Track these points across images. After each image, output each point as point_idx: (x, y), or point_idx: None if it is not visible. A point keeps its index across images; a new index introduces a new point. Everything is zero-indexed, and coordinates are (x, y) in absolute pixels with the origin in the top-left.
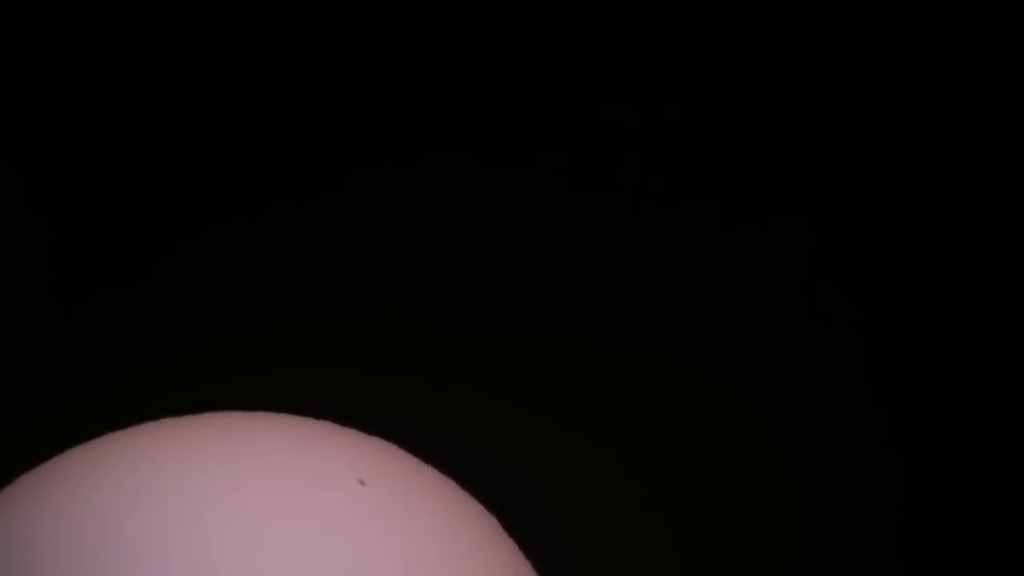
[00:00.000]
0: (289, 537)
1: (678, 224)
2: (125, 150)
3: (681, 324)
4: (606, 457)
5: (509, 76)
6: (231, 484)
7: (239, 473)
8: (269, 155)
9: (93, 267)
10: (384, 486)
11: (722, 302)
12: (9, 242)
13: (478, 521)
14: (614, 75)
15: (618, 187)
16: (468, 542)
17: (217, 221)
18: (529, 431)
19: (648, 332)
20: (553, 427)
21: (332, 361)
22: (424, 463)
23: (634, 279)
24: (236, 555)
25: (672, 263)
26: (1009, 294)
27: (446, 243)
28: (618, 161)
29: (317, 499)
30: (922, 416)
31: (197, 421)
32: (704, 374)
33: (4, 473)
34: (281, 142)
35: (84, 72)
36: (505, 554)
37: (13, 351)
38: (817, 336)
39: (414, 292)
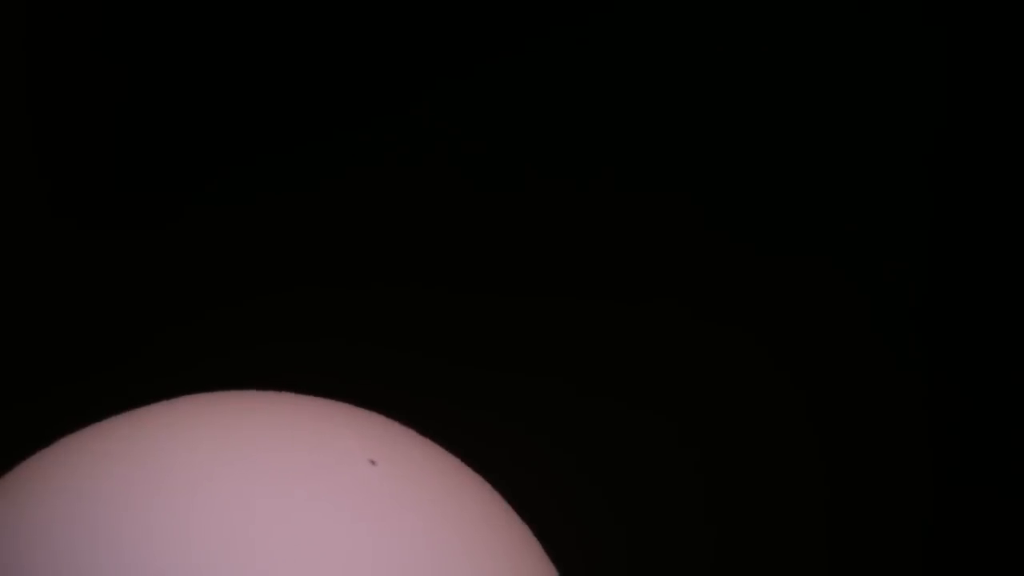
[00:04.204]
0: (299, 517)
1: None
2: (112, 129)
3: (707, 291)
4: (625, 438)
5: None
6: (238, 464)
7: (247, 452)
8: (258, 127)
9: (83, 249)
10: (395, 466)
11: (762, 277)
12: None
13: (490, 503)
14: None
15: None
16: (480, 523)
17: (207, 194)
18: (541, 410)
19: (667, 301)
20: (567, 407)
21: (340, 338)
22: (435, 443)
23: (654, 244)
24: (243, 536)
25: (693, 223)
26: None
27: (452, 217)
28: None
29: (327, 479)
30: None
31: (203, 401)
32: (739, 341)
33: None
34: (271, 120)
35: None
36: (517, 535)
37: (6, 340)
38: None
39: (422, 267)
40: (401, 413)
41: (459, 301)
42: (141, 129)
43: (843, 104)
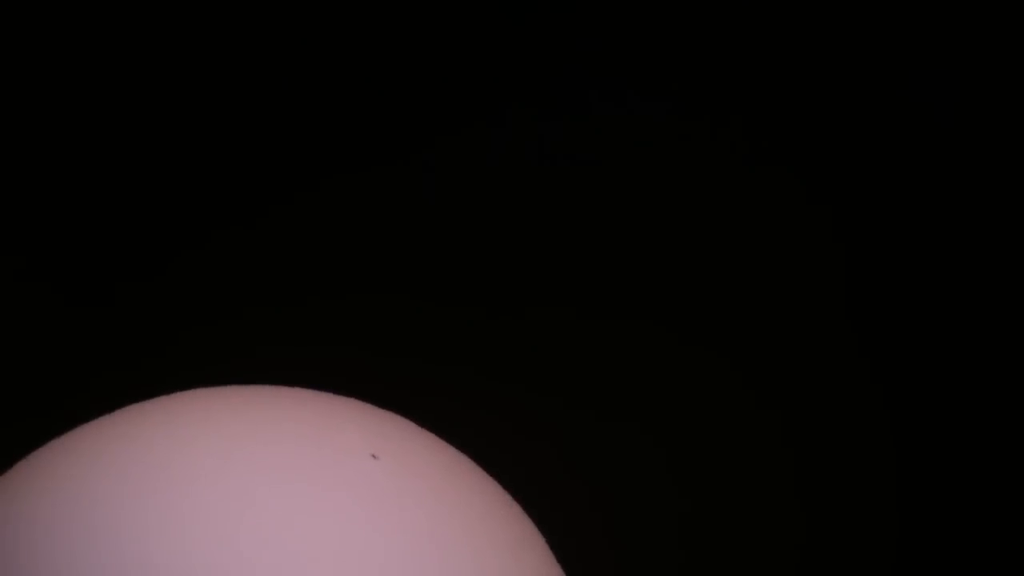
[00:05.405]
0: (300, 511)
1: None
2: (122, 146)
3: (706, 298)
4: (625, 432)
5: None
6: (238, 459)
7: (247, 447)
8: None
9: (90, 252)
10: (397, 460)
11: (751, 286)
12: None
13: (492, 497)
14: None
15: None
16: (482, 518)
17: (216, 202)
18: (545, 405)
19: (668, 303)
20: (572, 403)
21: (342, 334)
22: (437, 438)
23: (654, 248)
24: (244, 532)
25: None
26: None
27: (459, 216)
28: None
29: (329, 473)
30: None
31: (202, 396)
32: (730, 353)
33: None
34: (278, 129)
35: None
36: (520, 530)
37: (11, 336)
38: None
39: (427, 268)
40: (403, 408)
41: (464, 298)
42: (138, 132)
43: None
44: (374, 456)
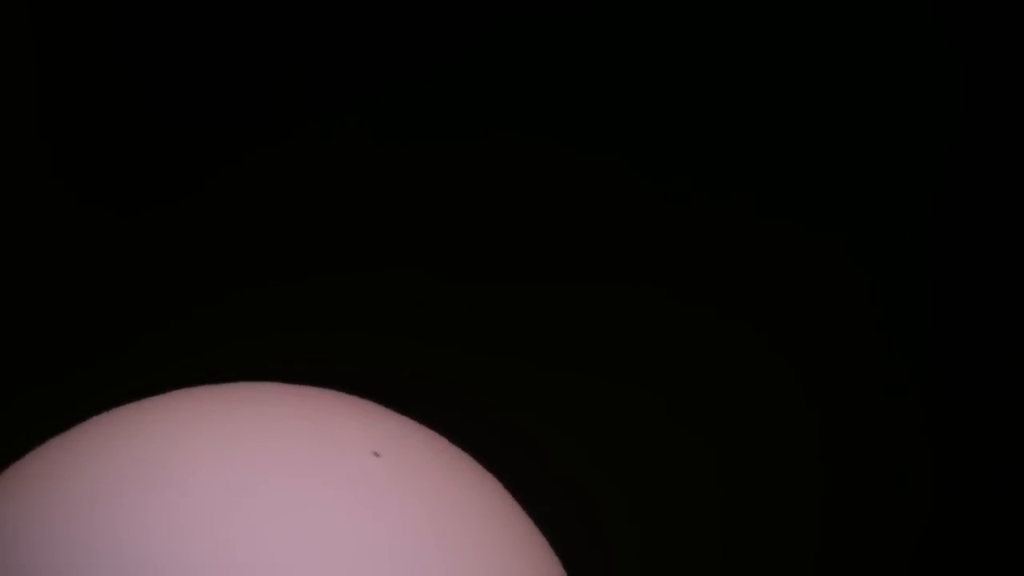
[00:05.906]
0: (302, 509)
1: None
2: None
3: (714, 272)
4: (633, 433)
5: None
6: (239, 457)
7: (248, 445)
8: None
9: (77, 245)
10: (399, 458)
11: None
12: None
13: (493, 495)
14: None
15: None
16: (483, 516)
17: (202, 187)
18: (547, 402)
19: (670, 279)
20: (575, 400)
21: (344, 329)
22: (439, 436)
23: (662, 234)
24: (245, 530)
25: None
26: None
27: (451, 196)
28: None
29: (330, 471)
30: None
31: (203, 393)
32: (739, 325)
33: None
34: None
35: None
36: (521, 528)
37: (9, 336)
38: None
39: (429, 258)
40: (404, 406)
41: (468, 292)
42: (135, 124)
43: (849, 97)
44: (376, 454)
